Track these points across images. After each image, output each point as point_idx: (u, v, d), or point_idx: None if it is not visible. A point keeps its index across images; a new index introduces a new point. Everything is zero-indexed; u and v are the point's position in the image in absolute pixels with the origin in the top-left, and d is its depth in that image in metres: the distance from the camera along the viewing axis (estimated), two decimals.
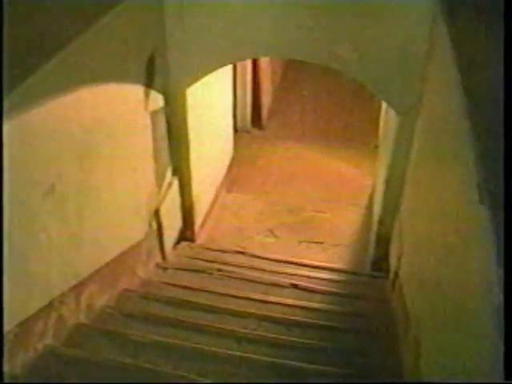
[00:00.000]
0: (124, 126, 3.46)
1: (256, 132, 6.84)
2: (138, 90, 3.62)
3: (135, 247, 3.90)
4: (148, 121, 3.84)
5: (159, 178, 4.16)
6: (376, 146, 6.30)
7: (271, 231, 5.29)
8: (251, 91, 6.53)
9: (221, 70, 4.13)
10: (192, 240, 4.96)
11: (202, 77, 4.06)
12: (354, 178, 6.06)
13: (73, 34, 2.66)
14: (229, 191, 5.81)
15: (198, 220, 5.02)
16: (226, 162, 5.85)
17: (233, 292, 3.94)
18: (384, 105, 5.69)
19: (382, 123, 6.04)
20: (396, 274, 3.89)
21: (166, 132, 4.20)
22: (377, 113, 6.38)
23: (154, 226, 4.23)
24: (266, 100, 6.83)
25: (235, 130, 6.34)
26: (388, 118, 4.83)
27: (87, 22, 2.80)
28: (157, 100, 3.94)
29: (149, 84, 3.74)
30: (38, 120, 2.45)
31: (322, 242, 5.17)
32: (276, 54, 4.22)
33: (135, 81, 3.56)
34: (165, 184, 4.31)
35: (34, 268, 2.61)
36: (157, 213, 4.20)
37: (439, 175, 2.73)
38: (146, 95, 3.74)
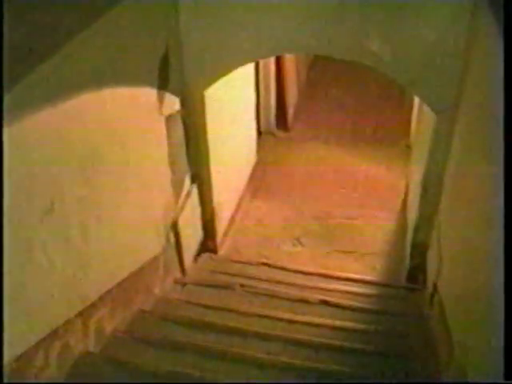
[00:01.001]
0: (135, 132, 3.18)
1: (281, 134, 6.52)
2: (150, 93, 3.34)
3: (151, 263, 3.63)
4: (163, 126, 3.56)
5: (176, 187, 3.88)
6: (407, 146, 6.00)
7: (298, 240, 4.98)
8: (275, 91, 6.20)
9: (242, 69, 3.83)
10: (214, 251, 4.68)
11: (220, 77, 3.78)
12: (386, 181, 5.72)
13: (75, 29, 2.38)
14: (253, 198, 5.50)
15: (221, 229, 4.73)
16: (250, 167, 5.55)
17: (256, 310, 3.64)
18: (416, 102, 5.43)
19: (414, 122, 5.79)
20: (435, 288, 3.58)
21: (184, 137, 3.91)
22: (408, 111, 6.15)
23: (172, 238, 3.94)
24: (291, 100, 6.50)
25: (259, 132, 6.03)
26: (422, 116, 4.53)
27: (91, 15, 2.52)
28: (172, 103, 3.66)
29: (163, 86, 3.46)
30: (33, 128, 2.17)
31: (352, 252, 4.84)
32: (301, 49, 3.90)
33: (147, 82, 3.28)
34: (183, 193, 4.02)
35: (33, 296, 2.35)
36: (175, 225, 3.91)
37: (482, 178, 2.50)
38: (160, 98, 3.45)
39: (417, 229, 4.05)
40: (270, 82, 6.04)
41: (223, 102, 4.27)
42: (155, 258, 3.69)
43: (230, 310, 3.63)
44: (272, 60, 5.86)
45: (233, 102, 4.61)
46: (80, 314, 2.75)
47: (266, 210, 5.35)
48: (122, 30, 2.83)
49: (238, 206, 5.21)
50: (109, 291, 3.06)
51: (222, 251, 4.77)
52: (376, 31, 3.31)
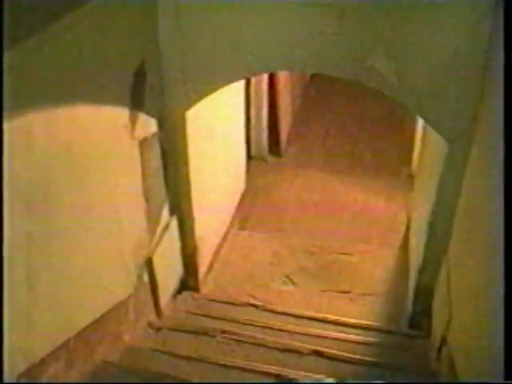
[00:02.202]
0: (100, 158, 2.75)
1: (273, 159, 6.08)
2: (120, 113, 2.91)
3: (119, 307, 3.20)
4: (136, 150, 3.13)
5: (152, 219, 3.45)
6: (409, 175, 5.60)
7: (289, 277, 4.52)
8: (267, 112, 5.76)
9: (230, 87, 3.41)
10: (196, 289, 4.24)
11: (205, 96, 3.36)
12: (385, 213, 5.30)
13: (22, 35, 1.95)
14: (240, 229, 5.05)
15: (203, 265, 4.29)
16: (238, 195, 5.10)
17: (239, 362, 3.19)
18: (420, 127, 5.02)
19: (416, 148, 5.42)
20: (444, 341, 3.15)
21: (161, 163, 3.47)
22: (409, 137, 5.76)
23: (146, 277, 3.49)
24: (284, 122, 6.08)
25: (249, 157, 5.60)
26: (428, 143, 4.14)
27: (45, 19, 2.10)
28: (148, 125, 3.24)
29: (137, 105, 3.04)
30: None
31: (348, 291, 4.40)
32: (296, 67, 3.45)
33: (116, 100, 2.85)
34: (159, 227, 3.57)
35: None
36: (149, 262, 3.46)
37: (498, 215, 2.17)
38: (133, 119, 3.03)
39: (422, 270, 3.66)
40: (262, 102, 5.61)
41: (207, 123, 3.85)
42: (124, 301, 3.25)
43: (209, 362, 3.19)
44: (264, 78, 5.43)
45: (219, 124, 4.18)
46: (25, 373, 2.34)
47: (255, 243, 4.89)
48: (84, 37, 2.41)
49: (224, 237, 4.77)
50: (64, 344, 2.64)
51: (205, 289, 4.32)
52: (380, 47, 2.92)
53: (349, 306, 4.28)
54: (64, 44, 2.26)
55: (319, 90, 7.14)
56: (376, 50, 2.91)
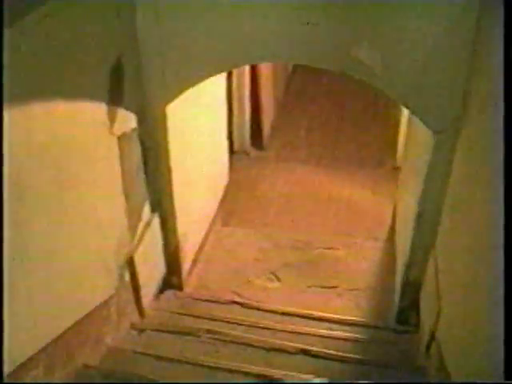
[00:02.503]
0: (78, 154, 2.64)
1: (256, 153, 5.98)
2: (97, 108, 2.80)
3: (100, 309, 3.11)
4: (114, 146, 3.02)
5: (133, 217, 3.35)
6: (394, 167, 5.52)
7: (274, 274, 4.43)
8: (250, 105, 5.66)
9: (211, 80, 3.31)
10: (179, 287, 4.14)
11: (185, 90, 3.25)
12: (370, 206, 5.23)
13: None
14: (224, 225, 4.95)
15: (187, 263, 4.18)
16: (221, 190, 5.00)
17: (225, 363, 3.10)
18: (404, 118, 4.95)
19: (401, 140, 5.34)
20: (432, 336, 3.09)
21: (142, 159, 3.36)
22: (394, 128, 5.70)
23: (127, 277, 3.39)
24: (267, 116, 5.98)
25: (231, 151, 5.49)
26: (413, 134, 4.06)
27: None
28: (127, 120, 3.14)
29: (115, 100, 2.93)
30: None
31: (335, 287, 4.31)
32: (277, 58, 3.36)
33: (93, 95, 2.74)
34: (141, 224, 3.47)
35: None
36: (130, 261, 3.36)
37: (487, 206, 2.22)
38: (111, 114, 2.91)
39: (409, 264, 3.58)
40: (244, 95, 5.50)
41: (188, 117, 3.74)
42: (106, 302, 3.15)
43: (194, 364, 3.10)
44: (246, 70, 5.33)
45: (200, 118, 4.07)
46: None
47: (239, 239, 4.79)
48: (57, 30, 2.30)
49: (207, 234, 4.66)
50: (43, 348, 2.55)
51: (188, 287, 4.22)
52: (364, 36, 2.84)
53: (335, 302, 4.20)
54: (36, 37, 2.16)
55: (302, 81, 7.05)
56: (360, 40, 2.83)
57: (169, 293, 4.03)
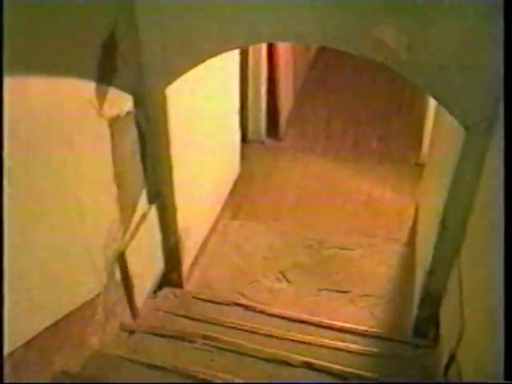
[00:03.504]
0: (56, 136, 2.33)
1: (271, 143, 5.62)
2: (83, 86, 2.48)
3: (84, 308, 2.82)
4: (105, 130, 2.71)
5: (125, 209, 3.04)
6: (418, 164, 5.16)
7: (283, 274, 4.10)
8: (266, 91, 5.29)
9: (222, 61, 2.98)
10: (179, 285, 3.84)
11: (188, 69, 2.93)
12: (391, 205, 4.86)
13: None
14: (232, 218, 4.63)
15: (188, 259, 3.89)
16: (230, 182, 4.68)
17: (219, 376, 2.79)
18: (431, 110, 4.59)
19: (426, 135, 4.98)
20: (452, 358, 2.77)
21: (139, 145, 3.06)
22: (420, 121, 5.30)
23: (118, 274, 3.09)
24: (284, 103, 5.62)
25: (245, 139, 5.17)
26: (440, 128, 3.73)
27: None
28: (121, 101, 2.84)
29: (106, 78, 2.63)
30: None
31: (348, 291, 3.98)
32: (291, 38, 2.98)
33: (79, 72, 2.43)
34: (135, 217, 3.16)
35: None
36: (121, 256, 3.06)
37: None
38: (101, 93, 2.61)
39: (430, 272, 3.23)
40: (261, 79, 5.13)
41: (194, 100, 3.42)
42: (90, 302, 2.85)
43: (185, 374, 2.79)
44: (264, 54, 4.96)
45: (208, 102, 3.74)
46: None
47: (247, 234, 4.47)
48: None
49: (213, 227, 4.35)
50: (11, 353, 2.28)
51: (189, 285, 3.92)
52: (390, 17, 2.47)
53: (347, 308, 3.87)
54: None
55: (324, 69, 6.67)
56: (384, 19, 2.49)
57: (167, 291, 3.73)
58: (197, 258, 4.07)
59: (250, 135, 5.46)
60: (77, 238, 2.65)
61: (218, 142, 4.17)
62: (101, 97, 2.60)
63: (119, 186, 2.91)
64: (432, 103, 4.56)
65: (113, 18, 2.58)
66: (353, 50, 2.62)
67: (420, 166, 4.97)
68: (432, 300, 3.30)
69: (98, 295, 2.91)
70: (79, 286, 2.76)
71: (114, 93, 2.71)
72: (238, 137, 4.66)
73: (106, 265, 2.95)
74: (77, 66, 2.40)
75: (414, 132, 5.44)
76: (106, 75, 2.61)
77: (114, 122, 2.76)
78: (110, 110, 2.70)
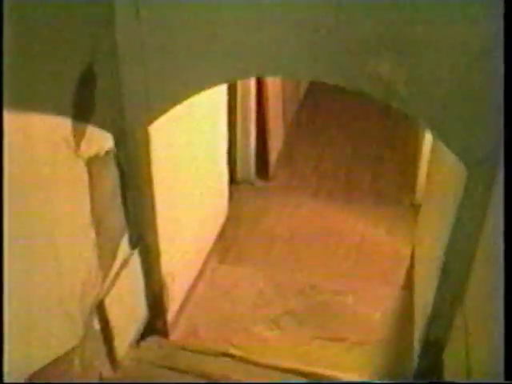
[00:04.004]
0: (31, 179, 2.16)
1: (260, 183, 5.44)
2: (59, 124, 2.32)
3: (57, 363, 2.58)
4: (82, 171, 2.53)
5: (105, 255, 2.84)
6: (412, 204, 5.00)
7: (275, 322, 3.89)
8: (255, 130, 5.11)
9: (209, 97, 2.82)
10: (164, 333, 3.62)
11: (172, 106, 2.78)
12: (386, 247, 4.67)
13: None
14: (220, 262, 4.42)
15: (174, 305, 3.67)
16: (218, 224, 4.49)
17: None
18: (426, 148, 4.46)
19: (421, 173, 4.80)
20: None
21: (120, 187, 2.88)
22: (413, 159, 5.22)
23: (97, 325, 2.88)
24: (274, 142, 5.45)
25: (233, 180, 4.99)
26: (439, 167, 3.56)
27: None
28: (100, 140, 2.67)
29: (83, 115, 2.46)
30: None
31: (343, 339, 3.76)
32: (281, 72, 2.81)
33: (53, 108, 2.26)
34: (116, 262, 2.97)
35: None
36: (100, 306, 2.85)
37: None
38: (78, 132, 2.44)
39: (431, 321, 3.06)
40: (250, 119, 4.98)
41: (178, 139, 3.26)
42: (65, 356, 2.64)
43: None
44: (252, 92, 4.82)
45: (194, 140, 3.57)
46: None
47: (236, 279, 4.26)
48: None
49: (201, 272, 4.15)
50: None
51: (175, 333, 3.69)
52: (386, 49, 2.34)
53: (343, 357, 3.64)
54: None
55: (315, 106, 6.55)
56: (380, 50, 2.35)
57: (151, 340, 3.50)
58: (183, 304, 3.85)
59: (239, 175, 5.28)
60: (50, 286, 2.45)
61: (205, 183, 3.99)
62: (77, 135, 2.43)
63: (98, 230, 2.72)
64: (426, 142, 4.42)
65: (91, 51, 2.42)
66: (347, 84, 2.48)
67: (415, 207, 4.82)
68: (433, 349, 3.11)
69: (73, 349, 2.69)
70: (51, 341, 2.54)
71: (92, 131, 2.54)
72: (225, 177, 4.49)
73: (83, 315, 2.74)
74: (50, 102, 2.23)
75: (408, 171, 5.30)
76: (83, 112, 2.44)
77: (92, 162, 2.58)
78: (88, 150, 2.53)
